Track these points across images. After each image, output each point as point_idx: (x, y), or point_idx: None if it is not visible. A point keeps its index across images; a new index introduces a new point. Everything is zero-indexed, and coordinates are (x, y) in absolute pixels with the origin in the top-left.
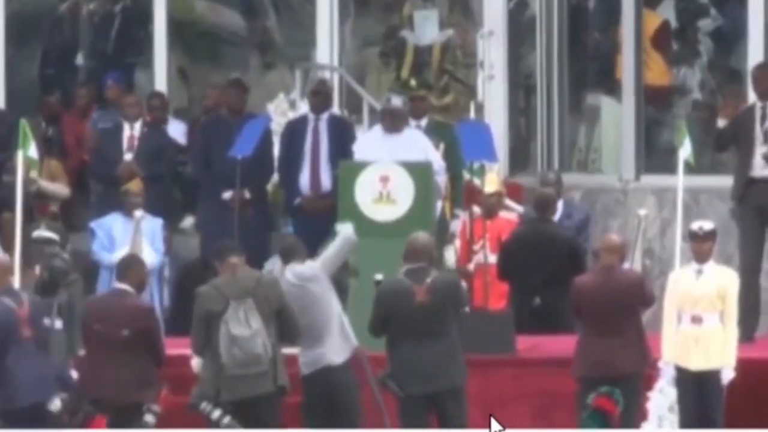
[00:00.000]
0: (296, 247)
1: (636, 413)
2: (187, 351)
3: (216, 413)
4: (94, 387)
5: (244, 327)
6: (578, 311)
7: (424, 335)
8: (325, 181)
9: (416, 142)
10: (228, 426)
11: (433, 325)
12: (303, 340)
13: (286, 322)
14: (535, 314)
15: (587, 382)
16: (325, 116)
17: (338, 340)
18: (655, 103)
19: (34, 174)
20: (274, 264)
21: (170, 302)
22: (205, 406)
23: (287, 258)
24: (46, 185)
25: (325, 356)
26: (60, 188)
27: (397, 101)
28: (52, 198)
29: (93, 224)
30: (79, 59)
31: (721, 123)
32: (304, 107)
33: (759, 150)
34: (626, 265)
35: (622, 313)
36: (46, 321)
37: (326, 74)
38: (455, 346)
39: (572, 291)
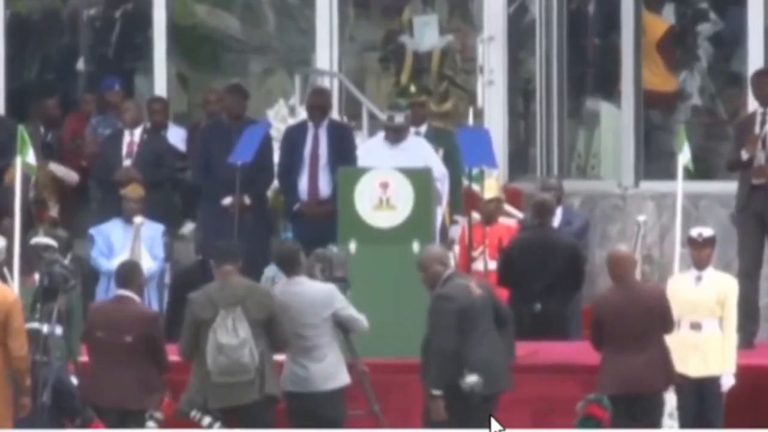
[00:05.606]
0: (298, 256)
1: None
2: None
3: (206, 420)
4: (97, 393)
5: (232, 336)
6: (599, 329)
7: (484, 332)
8: (324, 188)
9: (419, 149)
10: None
11: (489, 322)
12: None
13: (275, 333)
14: (536, 320)
15: (614, 400)
16: (324, 122)
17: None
18: (655, 109)
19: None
20: (274, 270)
21: (167, 307)
22: (195, 413)
23: (291, 268)
24: (56, 169)
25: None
26: (69, 173)
27: (399, 118)
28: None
29: (92, 230)
30: (80, 64)
31: (745, 156)
32: (303, 113)
33: (759, 156)
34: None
35: (646, 329)
36: (47, 327)
37: (325, 79)
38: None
39: (594, 308)
